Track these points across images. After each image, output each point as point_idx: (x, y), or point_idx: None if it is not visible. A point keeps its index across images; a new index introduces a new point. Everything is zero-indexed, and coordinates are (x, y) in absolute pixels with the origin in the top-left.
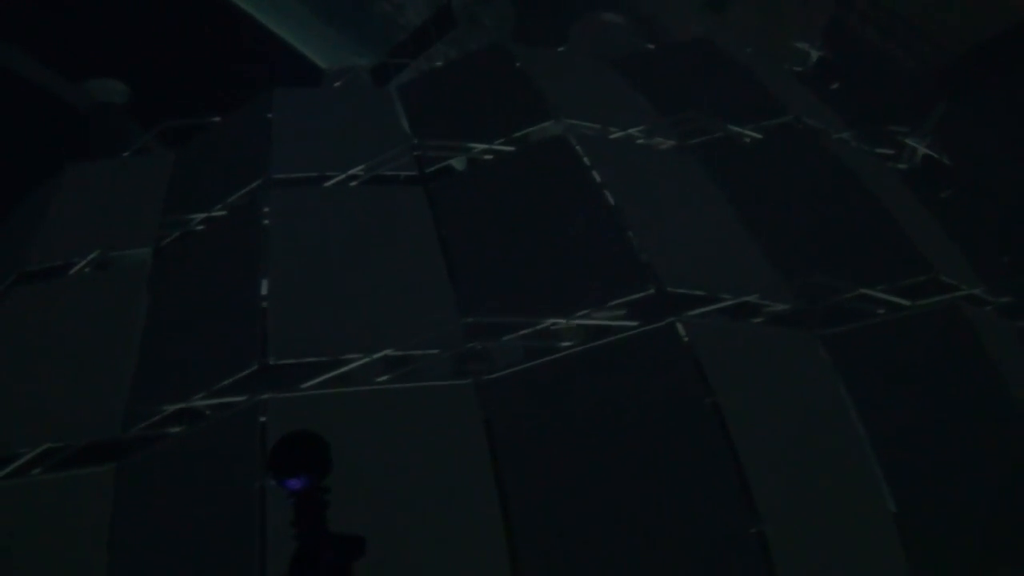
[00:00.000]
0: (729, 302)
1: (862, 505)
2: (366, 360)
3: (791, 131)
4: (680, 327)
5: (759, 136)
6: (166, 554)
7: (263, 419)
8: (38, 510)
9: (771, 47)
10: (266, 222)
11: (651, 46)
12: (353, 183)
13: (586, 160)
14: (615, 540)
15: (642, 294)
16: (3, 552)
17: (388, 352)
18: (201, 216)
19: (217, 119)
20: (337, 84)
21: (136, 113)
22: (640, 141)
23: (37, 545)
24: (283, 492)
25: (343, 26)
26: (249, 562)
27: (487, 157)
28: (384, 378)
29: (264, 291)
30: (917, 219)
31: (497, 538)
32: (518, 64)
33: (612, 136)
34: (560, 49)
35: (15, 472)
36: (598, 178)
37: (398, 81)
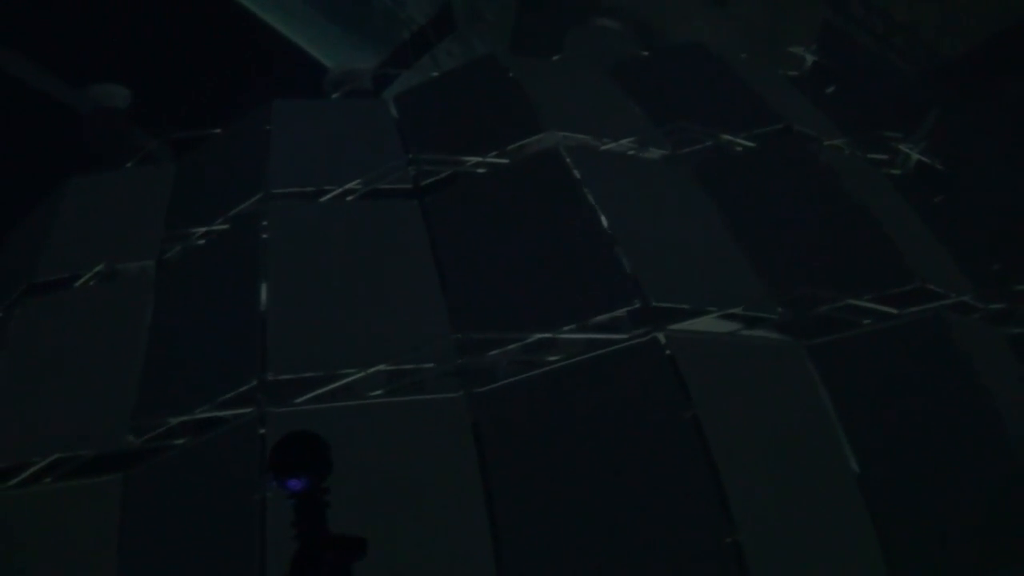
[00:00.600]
0: (715, 314)
1: (840, 514)
2: (360, 375)
3: (783, 139)
4: (663, 340)
5: (751, 144)
6: (171, 559)
7: (262, 431)
8: (50, 517)
9: (770, 46)
10: (265, 235)
11: (645, 52)
12: (350, 197)
13: (576, 173)
14: (596, 547)
15: (627, 308)
16: (17, 558)
17: (382, 367)
18: (203, 230)
19: (217, 131)
20: (335, 95)
21: (138, 115)
22: (632, 152)
23: (49, 551)
24: (283, 493)
25: (344, 22)
26: (250, 568)
27: (480, 171)
28: (377, 393)
29: (263, 305)
30: (907, 226)
31: (484, 545)
32: (511, 74)
33: (604, 147)
34: (555, 58)
35: (27, 480)
36: (588, 191)
37: (400, 83)
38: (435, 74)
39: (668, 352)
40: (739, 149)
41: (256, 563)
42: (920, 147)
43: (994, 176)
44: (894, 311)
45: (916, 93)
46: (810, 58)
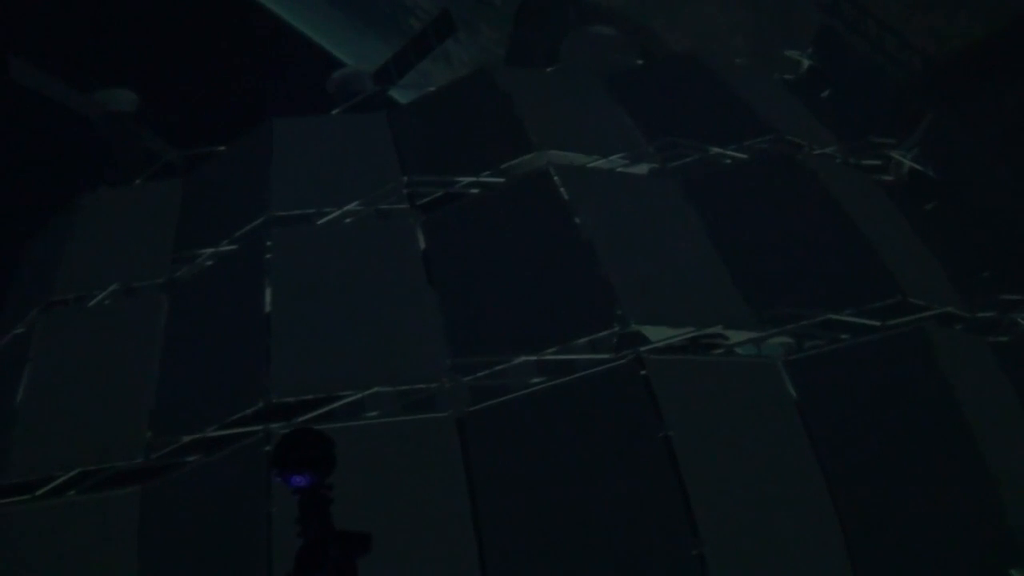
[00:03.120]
0: (695, 334)
1: (810, 528)
2: (359, 396)
3: (772, 151)
4: (641, 362)
5: (741, 156)
6: (185, 568)
7: (268, 449)
8: (74, 527)
9: (769, 47)
10: (268, 256)
11: (640, 62)
12: (349, 219)
13: (565, 194)
14: (571, 558)
15: (608, 332)
16: (43, 566)
17: (379, 389)
18: (210, 251)
19: (222, 148)
20: (336, 111)
21: (146, 117)
22: (621, 168)
23: (73, 559)
24: (288, 489)
25: (350, 9)
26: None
27: (474, 190)
28: (372, 414)
29: (268, 324)
30: (896, 235)
31: (470, 558)
32: (504, 90)
33: (594, 164)
34: (549, 69)
35: (52, 492)
36: (576, 213)
37: (400, 84)
38: (432, 89)
39: (644, 373)
40: (728, 161)
41: (263, 572)
42: (913, 154)
43: (986, 183)
44: (876, 324)
45: (909, 99)
46: (806, 62)
